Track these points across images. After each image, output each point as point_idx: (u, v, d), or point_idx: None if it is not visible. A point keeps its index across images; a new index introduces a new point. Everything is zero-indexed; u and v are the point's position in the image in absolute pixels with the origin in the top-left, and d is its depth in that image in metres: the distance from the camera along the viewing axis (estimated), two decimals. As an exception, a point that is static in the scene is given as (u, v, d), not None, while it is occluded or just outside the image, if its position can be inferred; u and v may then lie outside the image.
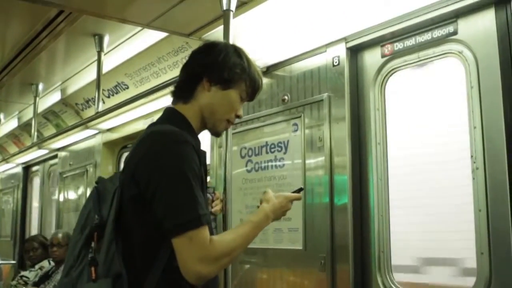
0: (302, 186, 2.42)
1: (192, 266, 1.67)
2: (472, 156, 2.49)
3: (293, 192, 2.14)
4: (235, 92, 1.99)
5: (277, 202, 2.01)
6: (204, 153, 1.94)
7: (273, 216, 1.98)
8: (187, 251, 1.67)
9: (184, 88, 2.01)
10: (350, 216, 2.94)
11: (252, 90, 2.04)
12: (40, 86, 5.83)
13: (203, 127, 2.02)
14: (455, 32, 2.63)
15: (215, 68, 1.96)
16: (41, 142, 6.57)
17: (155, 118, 5.28)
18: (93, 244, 1.78)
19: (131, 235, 1.76)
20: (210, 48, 2.03)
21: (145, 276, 1.72)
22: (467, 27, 2.59)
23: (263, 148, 3.51)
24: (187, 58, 3.90)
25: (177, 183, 1.71)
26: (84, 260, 1.78)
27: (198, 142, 1.94)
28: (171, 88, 4.26)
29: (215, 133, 2.06)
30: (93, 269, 1.72)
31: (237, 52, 2.02)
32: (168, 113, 2.00)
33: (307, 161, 3.20)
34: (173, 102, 2.03)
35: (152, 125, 1.98)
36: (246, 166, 3.61)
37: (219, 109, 1.98)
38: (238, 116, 2.04)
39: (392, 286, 2.79)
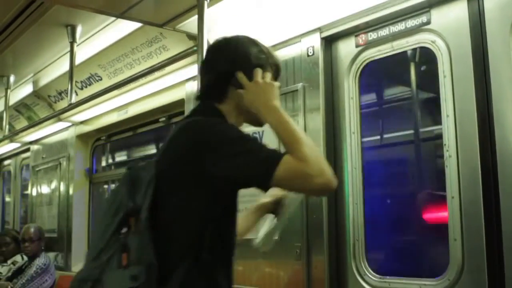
0: None
1: (312, 186, 1.68)
2: (445, 144, 2.52)
3: None
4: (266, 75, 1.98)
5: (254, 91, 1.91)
6: None
7: (267, 103, 1.88)
8: (295, 181, 1.69)
9: (215, 88, 1.98)
10: (325, 205, 2.95)
11: (276, 71, 2.04)
12: (12, 78, 5.73)
13: (241, 121, 2.01)
14: (428, 22, 2.66)
15: (243, 60, 1.95)
16: (12, 135, 6.48)
17: (129, 110, 5.28)
18: (124, 230, 1.80)
19: (166, 224, 1.77)
20: (227, 44, 2.02)
21: (176, 267, 1.73)
22: (440, 17, 2.62)
23: (238, 139, 3.50)
24: (161, 48, 3.97)
25: (234, 144, 1.75)
26: (115, 245, 1.77)
27: None
28: (145, 79, 4.29)
29: (259, 124, 2.04)
30: (124, 255, 1.73)
31: (251, 40, 2.02)
32: (205, 107, 1.99)
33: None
34: (206, 101, 2.00)
35: (187, 117, 2.00)
36: (222, 157, 3.59)
37: None
38: None
39: (367, 273, 2.81)
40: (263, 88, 1.90)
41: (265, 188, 1.78)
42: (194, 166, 1.75)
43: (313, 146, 1.75)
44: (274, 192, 2.39)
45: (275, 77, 2.04)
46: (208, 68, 2.04)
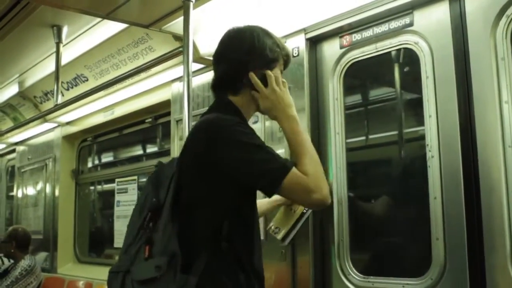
0: None
1: (310, 200, 1.84)
2: (427, 145, 2.55)
3: None
4: (277, 69, 2.07)
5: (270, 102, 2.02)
6: None
7: (285, 111, 2.00)
8: (297, 193, 1.84)
9: (230, 79, 2.05)
10: (309, 205, 2.96)
11: (286, 62, 2.13)
12: (-4, 79, 5.71)
13: (254, 112, 2.12)
14: (411, 24, 2.68)
15: (257, 53, 2.02)
16: (-2, 136, 6.45)
17: (115, 110, 5.27)
18: (150, 225, 1.91)
19: (187, 216, 1.87)
20: (241, 35, 2.07)
21: (196, 257, 1.83)
22: (422, 18, 2.64)
23: (224, 140, 3.50)
24: (147, 49, 3.97)
25: (247, 150, 1.85)
26: (141, 240, 1.91)
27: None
28: (131, 80, 4.28)
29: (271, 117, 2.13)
30: (147, 247, 1.86)
31: (265, 31, 2.08)
32: (220, 103, 2.07)
33: (268, 152, 3.21)
34: (220, 94, 2.08)
35: (204, 114, 2.07)
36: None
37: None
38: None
39: (351, 273, 2.83)
40: (279, 97, 2.01)
41: (270, 195, 1.93)
42: (210, 161, 1.86)
43: (316, 161, 1.90)
44: None
45: (285, 66, 2.14)
46: (222, 58, 2.09)
